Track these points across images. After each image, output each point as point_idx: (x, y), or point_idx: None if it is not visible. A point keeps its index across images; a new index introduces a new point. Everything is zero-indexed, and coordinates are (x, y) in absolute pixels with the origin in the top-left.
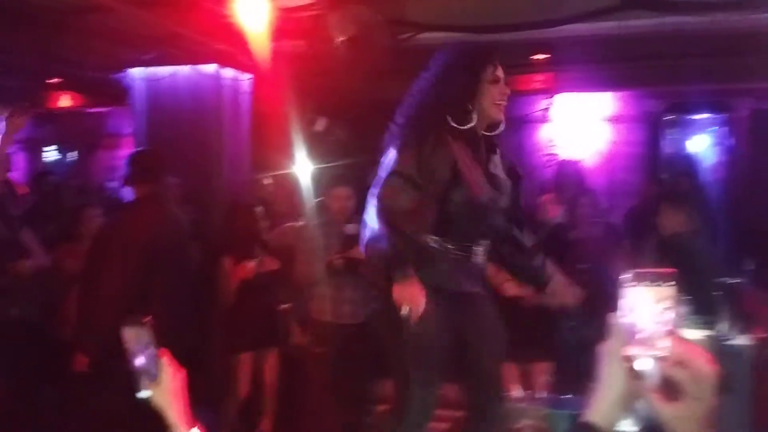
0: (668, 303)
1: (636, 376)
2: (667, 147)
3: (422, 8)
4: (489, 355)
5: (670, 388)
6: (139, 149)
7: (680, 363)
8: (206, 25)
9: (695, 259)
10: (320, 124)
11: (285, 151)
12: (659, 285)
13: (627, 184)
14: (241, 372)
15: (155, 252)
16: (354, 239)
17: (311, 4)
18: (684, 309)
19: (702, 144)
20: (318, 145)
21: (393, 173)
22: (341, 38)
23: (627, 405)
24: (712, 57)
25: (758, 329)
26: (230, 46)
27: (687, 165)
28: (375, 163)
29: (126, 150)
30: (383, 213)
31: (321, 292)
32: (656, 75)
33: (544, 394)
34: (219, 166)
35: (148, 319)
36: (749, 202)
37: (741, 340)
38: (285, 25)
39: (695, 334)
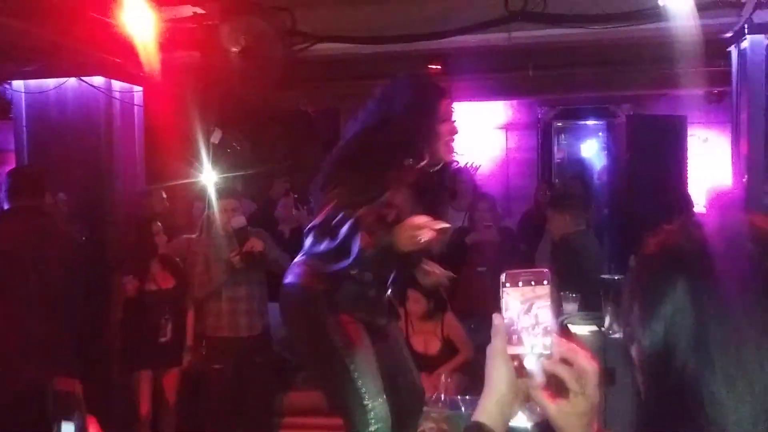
0: (544, 302)
1: (521, 374)
2: (558, 152)
3: (313, 19)
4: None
5: (555, 386)
6: (19, 165)
7: (563, 360)
8: (92, 35)
9: (583, 258)
10: (216, 136)
11: (180, 164)
12: (533, 285)
13: (521, 188)
14: (140, 391)
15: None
16: (244, 232)
17: (203, 15)
18: (572, 306)
19: (590, 149)
20: (214, 157)
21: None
22: (234, 49)
23: (514, 404)
24: (595, 66)
25: None
26: (118, 57)
27: (577, 169)
28: (273, 173)
29: (8, 166)
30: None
31: (216, 307)
32: (545, 84)
33: (446, 397)
34: (111, 181)
35: (77, 386)
36: (629, 202)
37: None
38: (176, 36)
39: (583, 329)
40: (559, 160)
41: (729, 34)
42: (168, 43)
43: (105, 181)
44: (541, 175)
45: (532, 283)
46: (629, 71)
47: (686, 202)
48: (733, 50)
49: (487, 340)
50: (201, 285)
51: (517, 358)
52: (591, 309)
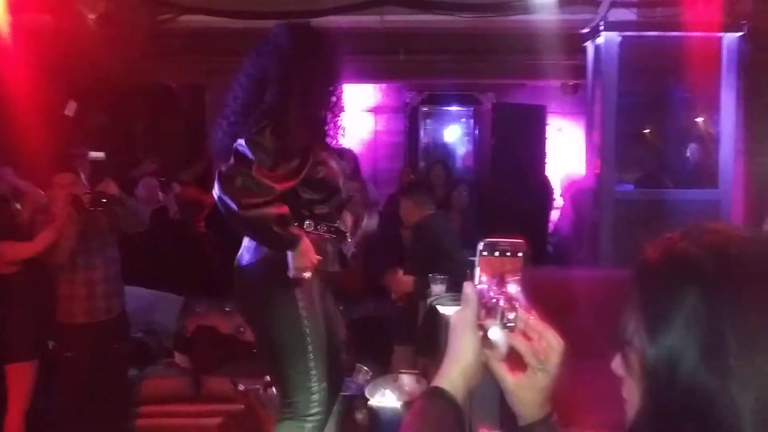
0: (515, 275)
1: (487, 345)
2: (424, 137)
3: None
4: (341, 342)
5: (514, 359)
6: None
7: (525, 334)
8: None
9: (440, 241)
10: (70, 108)
11: (28, 138)
12: (508, 256)
13: (389, 171)
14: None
15: None
16: (100, 165)
17: None
18: (440, 287)
19: (454, 134)
20: (69, 130)
21: (244, 173)
22: (92, 15)
23: (478, 374)
24: (462, 54)
25: None
26: None
27: (441, 153)
28: (132, 149)
29: None
30: (231, 197)
31: (70, 292)
32: (414, 69)
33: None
34: None
35: None
36: (492, 185)
37: None
38: None
39: (452, 309)
40: (425, 145)
41: (586, 30)
42: (15, 3)
43: None
44: (408, 158)
45: (508, 254)
46: (494, 60)
47: (546, 188)
48: (589, 45)
49: (359, 319)
50: (58, 247)
51: (482, 328)
52: (455, 290)
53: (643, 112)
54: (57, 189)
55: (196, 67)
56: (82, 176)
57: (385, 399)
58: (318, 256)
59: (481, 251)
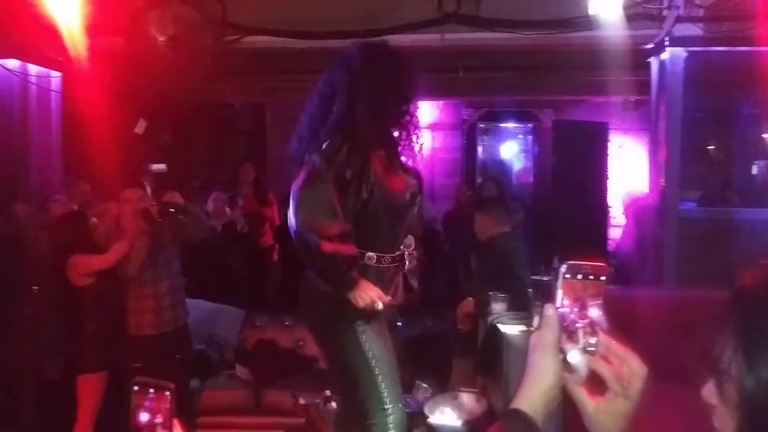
0: (597, 299)
1: (567, 368)
2: (481, 153)
3: (244, 11)
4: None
5: (594, 383)
6: None
7: (606, 359)
8: (8, 14)
9: (510, 259)
10: (141, 127)
11: (101, 155)
12: (591, 279)
13: (446, 188)
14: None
15: None
16: (163, 177)
17: (129, 0)
18: (501, 306)
19: (512, 150)
20: (139, 148)
21: (317, 179)
22: (162, 38)
23: (558, 398)
24: (521, 70)
25: None
26: (36, 39)
27: (497, 170)
28: (197, 165)
29: None
30: (308, 228)
31: (138, 306)
32: (472, 86)
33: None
34: (25, 171)
35: None
36: (552, 204)
37: None
38: (100, 20)
39: (512, 328)
40: (482, 161)
41: (650, 46)
42: (90, 27)
43: (19, 170)
44: (465, 175)
45: (591, 277)
46: (554, 77)
47: (603, 206)
48: (653, 61)
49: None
50: (129, 260)
51: (562, 351)
52: (517, 309)
53: (708, 128)
54: (126, 203)
55: (257, 86)
56: (149, 190)
57: (444, 417)
58: (379, 292)
59: (564, 274)
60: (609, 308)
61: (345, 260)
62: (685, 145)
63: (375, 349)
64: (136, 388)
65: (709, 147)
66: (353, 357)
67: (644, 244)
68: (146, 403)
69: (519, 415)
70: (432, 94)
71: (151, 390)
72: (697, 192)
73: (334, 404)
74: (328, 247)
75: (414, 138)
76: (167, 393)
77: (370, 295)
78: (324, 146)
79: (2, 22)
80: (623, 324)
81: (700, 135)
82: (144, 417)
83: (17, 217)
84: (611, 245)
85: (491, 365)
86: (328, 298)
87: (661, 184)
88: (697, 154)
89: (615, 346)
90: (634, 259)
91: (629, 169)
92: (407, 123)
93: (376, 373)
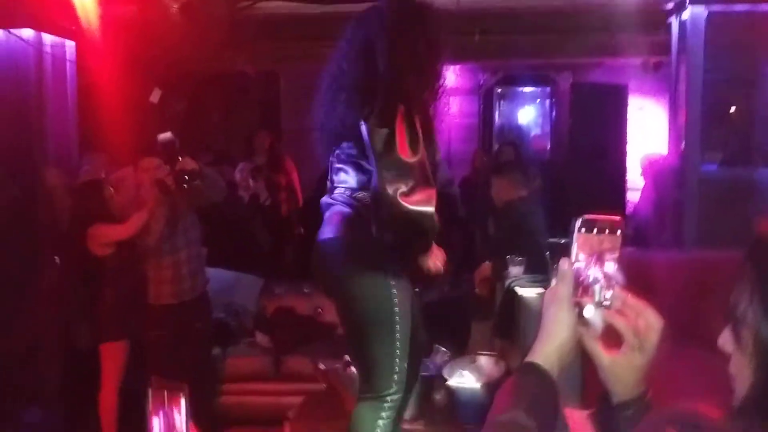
0: (614, 252)
1: (582, 322)
2: (498, 118)
3: None
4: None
5: (610, 337)
6: None
7: (622, 312)
8: None
9: (527, 223)
10: (155, 96)
11: (116, 124)
12: (607, 233)
13: (463, 153)
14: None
15: None
16: (172, 147)
17: None
18: (518, 269)
19: (530, 115)
20: (154, 117)
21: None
22: (175, 5)
23: (572, 352)
24: (538, 33)
25: None
26: (50, 8)
27: (513, 135)
28: (211, 133)
29: None
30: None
31: (157, 275)
32: (489, 49)
33: None
34: (41, 140)
35: None
36: (571, 167)
37: None
38: None
39: (530, 291)
40: (499, 126)
41: (670, 5)
42: None
43: (34, 140)
44: (482, 140)
45: (606, 231)
46: (572, 39)
47: (621, 169)
48: (673, 21)
49: (434, 303)
50: (148, 230)
51: (578, 305)
52: (536, 272)
53: (730, 90)
54: (143, 173)
55: (271, 53)
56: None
57: (463, 380)
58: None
59: (579, 228)
60: (627, 271)
61: (432, 216)
62: (706, 107)
63: (399, 301)
64: (150, 391)
65: (731, 109)
66: (375, 308)
67: (663, 207)
68: (161, 407)
69: (534, 369)
70: (448, 59)
71: (166, 393)
72: (718, 154)
73: (353, 369)
74: (416, 204)
75: (440, 102)
76: (181, 396)
77: (440, 260)
78: (383, 111)
79: None
80: (642, 287)
81: (723, 96)
82: (158, 422)
83: (47, 183)
84: (630, 208)
85: (509, 328)
86: (354, 246)
87: (681, 147)
88: (718, 116)
89: (631, 299)
90: (653, 221)
91: (649, 131)
92: (436, 86)
93: (397, 328)
